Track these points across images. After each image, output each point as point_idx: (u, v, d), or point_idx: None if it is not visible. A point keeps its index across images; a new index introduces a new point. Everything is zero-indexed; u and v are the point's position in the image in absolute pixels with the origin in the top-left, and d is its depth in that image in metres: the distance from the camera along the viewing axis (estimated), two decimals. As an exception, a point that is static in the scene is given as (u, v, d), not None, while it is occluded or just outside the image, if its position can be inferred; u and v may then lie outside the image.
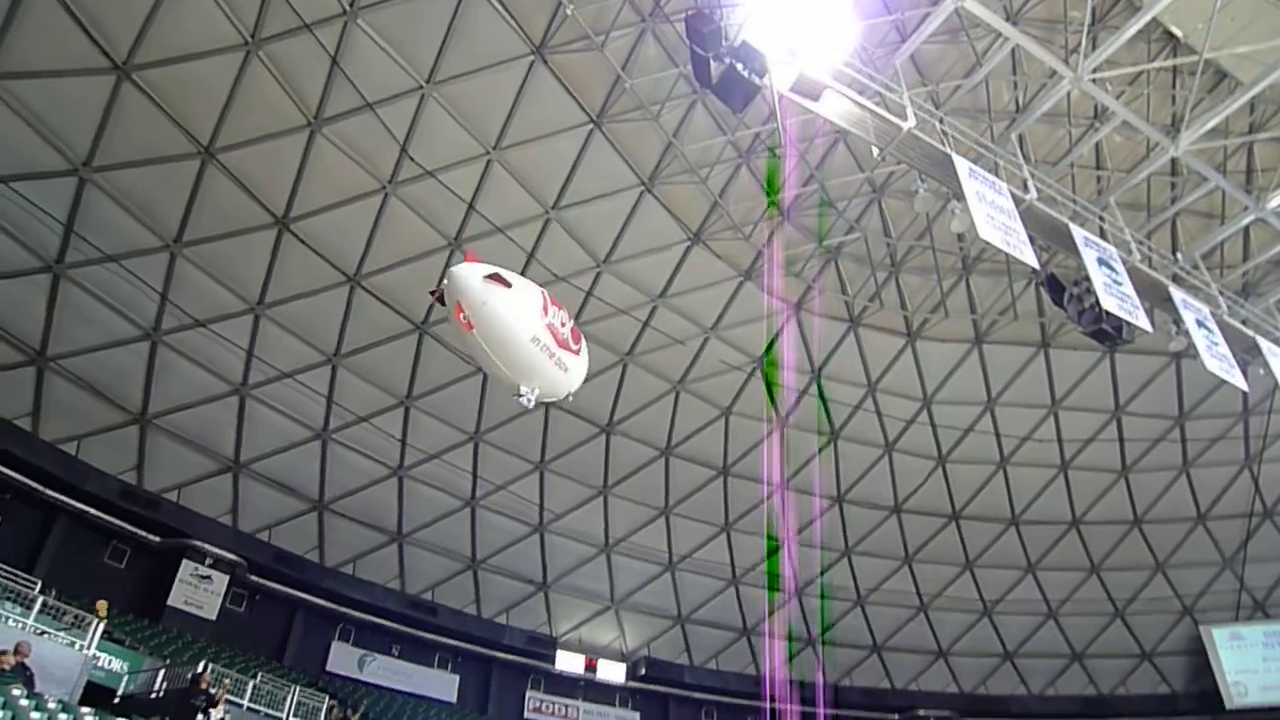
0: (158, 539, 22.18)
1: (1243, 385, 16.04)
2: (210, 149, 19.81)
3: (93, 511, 20.99)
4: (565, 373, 11.79)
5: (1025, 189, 14.74)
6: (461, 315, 10.43)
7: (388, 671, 26.56)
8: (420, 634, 27.23)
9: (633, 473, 29.52)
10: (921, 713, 33.10)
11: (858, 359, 29.67)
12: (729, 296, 27.47)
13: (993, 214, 13.58)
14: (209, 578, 22.63)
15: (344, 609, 25.94)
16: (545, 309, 11.22)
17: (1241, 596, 33.23)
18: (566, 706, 29.80)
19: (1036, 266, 15.01)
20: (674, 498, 30.36)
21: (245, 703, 16.41)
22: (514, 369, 11.34)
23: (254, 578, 24.10)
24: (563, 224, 24.34)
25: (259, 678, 17.53)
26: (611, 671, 30.45)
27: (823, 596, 32.38)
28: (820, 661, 32.30)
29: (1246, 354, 16.97)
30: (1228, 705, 31.91)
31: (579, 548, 29.72)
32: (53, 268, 19.29)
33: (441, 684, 27.63)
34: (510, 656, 28.94)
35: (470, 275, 10.50)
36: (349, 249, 22.88)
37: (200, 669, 15.55)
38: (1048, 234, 15.45)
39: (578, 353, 12.04)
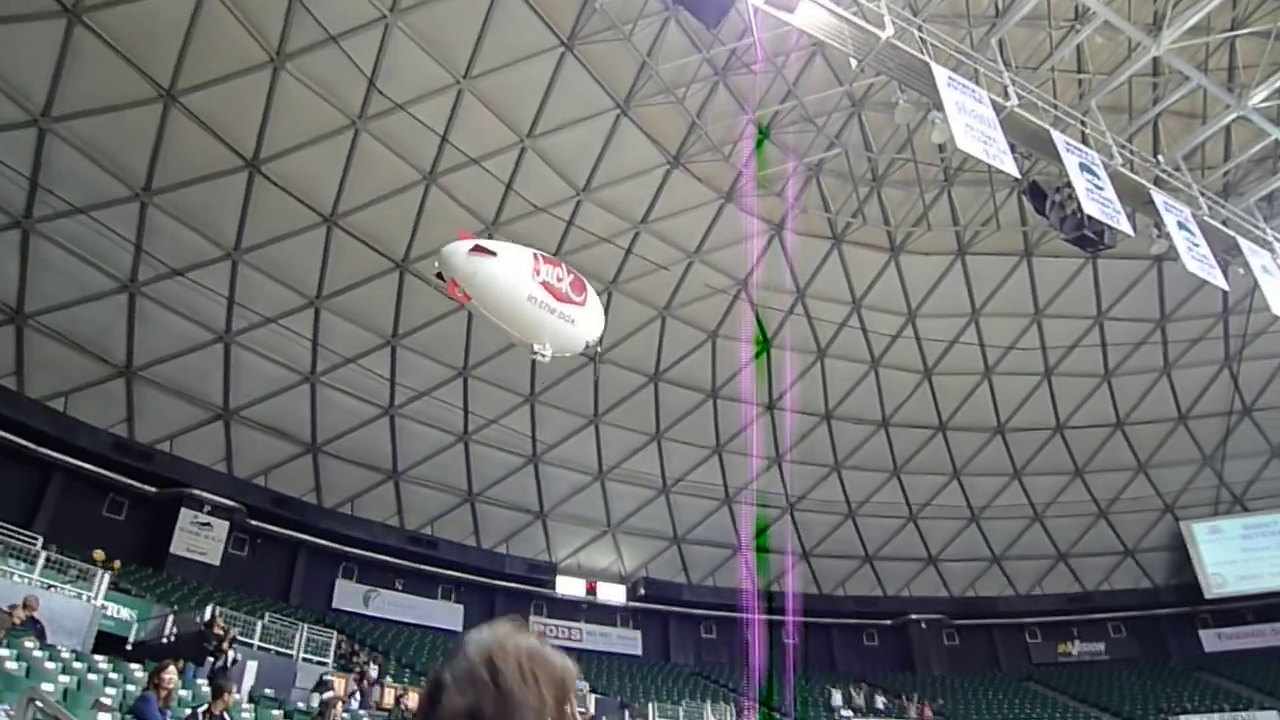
0: (154, 489, 22.34)
1: (1223, 285, 16.20)
2: (171, 92, 19.24)
3: (87, 466, 21.10)
4: (572, 325, 12.24)
5: (1006, 96, 14.56)
6: (456, 289, 11.17)
7: (393, 605, 27.19)
8: (422, 567, 27.79)
9: (622, 400, 29.74)
10: (913, 617, 34.27)
11: (842, 276, 29.67)
12: (711, 219, 27.25)
13: (972, 123, 13.42)
14: (209, 524, 22.88)
15: (345, 548, 26.39)
16: (537, 269, 11.67)
17: (1220, 492, 34.25)
18: (570, 629, 30.63)
19: (1017, 175, 14.95)
20: (664, 422, 30.66)
21: (256, 642, 16.76)
22: (519, 329, 12.14)
23: (254, 522, 24.41)
24: (539, 153, 23.92)
25: (266, 618, 17.89)
26: (611, 593, 31.24)
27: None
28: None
29: (1227, 254, 17.07)
30: (1206, 595, 33.22)
31: (573, 476, 30.12)
32: (21, 223, 18.93)
33: (446, 614, 28.33)
34: (512, 584, 29.60)
35: (456, 251, 11.13)
36: (323, 189, 22.48)
37: (209, 613, 15.84)
38: (1029, 141, 15.34)
39: (583, 303, 12.36)
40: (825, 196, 27.90)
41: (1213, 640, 34.36)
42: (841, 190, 27.72)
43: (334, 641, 18.89)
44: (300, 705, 14.34)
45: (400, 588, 27.73)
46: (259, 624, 17.42)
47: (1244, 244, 16.58)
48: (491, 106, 22.69)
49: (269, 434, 24.59)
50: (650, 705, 22.63)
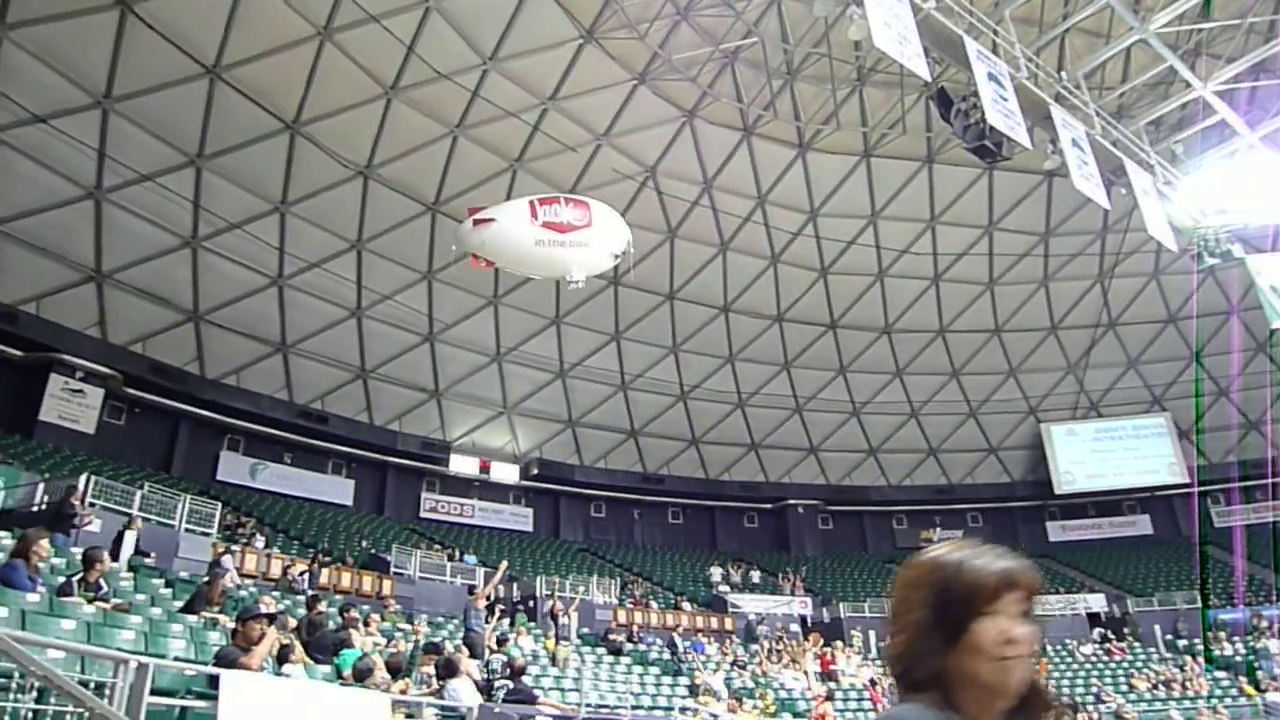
0: (20, 353, 21.03)
1: (1105, 204, 16.94)
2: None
3: (-60, 323, 19.63)
4: (587, 247, 13.13)
5: (924, -3, 14.48)
6: (477, 261, 12.54)
7: (281, 478, 26.88)
8: (312, 442, 27.44)
9: (524, 283, 29.33)
10: (792, 502, 36.23)
11: (749, 170, 29.66)
12: (622, 101, 26.55)
13: (890, 22, 13.31)
14: (81, 391, 21.83)
15: (231, 419, 25.70)
16: (534, 214, 12.64)
17: (1080, 398, 37.00)
18: (462, 505, 31.10)
19: (928, 79, 15.03)
20: (565, 307, 30.57)
21: (135, 512, 16.34)
22: (543, 270, 13.56)
23: (131, 391, 23.41)
24: (444, 14, 22.50)
25: (146, 488, 17.42)
26: (505, 472, 31.72)
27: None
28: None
29: (1113, 174, 17.78)
30: (1056, 490, 36.38)
31: (471, 356, 29.93)
32: None
33: (337, 488, 28.26)
34: (405, 461, 29.65)
35: (462, 229, 12.64)
36: (206, 37, 20.69)
37: (82, 482, 15.31)
38: (942, 46, 15.36)
39: (589, 224, 13.18)
40: (739, 86, 27.48)
41: (1057, 531, 37.89)
42: (755, 81, 27.35)
43: (218, 513, 18.64)
44: (183, 574, 14.20)
45: (289, 461, 27.37)
46: (138, 494, 16.96)
47: (1130, 166, 17.27)
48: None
49: (147, 300, 23.28)
50: (539, 579, 23.40)
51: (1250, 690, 22.68)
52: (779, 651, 21.51)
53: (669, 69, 25.78)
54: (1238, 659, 25.29)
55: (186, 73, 20.99)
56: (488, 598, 15.23)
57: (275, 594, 14.50)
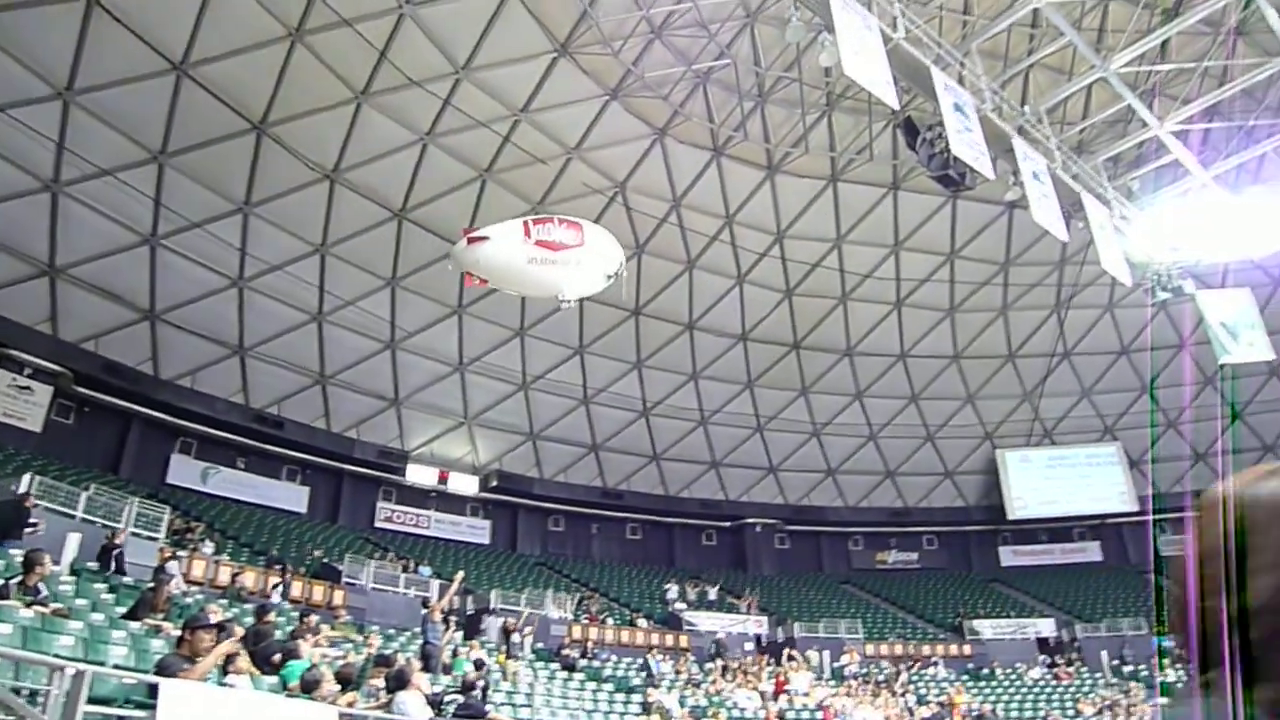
0: (-37, 346, 20.44)
1: (1064, 236, 17.34)
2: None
3: (-118, 314, 18.99)
4: (580, 266, 13.36)
5: (895, 27, 14.75)
6: (473, 279, 12.90)
7: (233, 484, 26.32)
8: (267, 447, 26.94)
9: (488, 293, 29.12)
10: (750, 521, 36.32)
11: (718, 190, 29.89)
12: (594, 116, 26.64)
13: (860, 50, 13.56)
14: (29, 388, 21.26)
15: (183, 422, 25.15)
16: (528, 233, 12.81)
17: (1034, 425, 37.70)
18: (418, 516, 30.70)
19: (896, 107, 15.29)
20: (529, 319, 30.44)
21: (79, 514, 15.91)
22: (535, 289, 13.68)
23: (81, 389, 22.82)
24: (418, 20, 22.43)
25: (92, 489, 16.96)
26: (463, 483, 31.41)
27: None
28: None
29: (1071, 208, 18.21)
30: (1009, 516, 36.94)
31: (432, 365, 29.65)
32: None
33: (290, 495, 27.76)
34: (361, 469, 29.22)
35: (457, 248, 12.81)
36: (173, 35, 20.39)
37: (25, 482, 14.88)
38: (910, 75, 15.65)
39: (582, 244, 13.38)
40: (710, 106, 27.73)
41: (1009, 556, 38.42)
42: (726, 103, 27.61)
43: (167, 517, 18.20)
44: (127, 580, 13.83)
45: (242, 466, 26.83)
46: (83, 495, 16.51)
47: (1087, 200, 17.72)
48: (370, -35, 21.04)
49: (101, 296, 22.76)
50: (494, 592, 23.18)
51: (1191, 717, 23.08)
52: (734, 670, 21.51)
53: (641, 86, 25.93)
54: (1179, 685, 25.75)
55: (153, 68, 20.63)
56: (443, 610, 15.05)
57: (223, 602, 14.19)
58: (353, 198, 25.30)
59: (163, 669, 6.25)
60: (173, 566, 15.15)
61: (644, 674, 19.61)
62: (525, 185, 27.37)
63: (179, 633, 7.42)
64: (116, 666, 7.36)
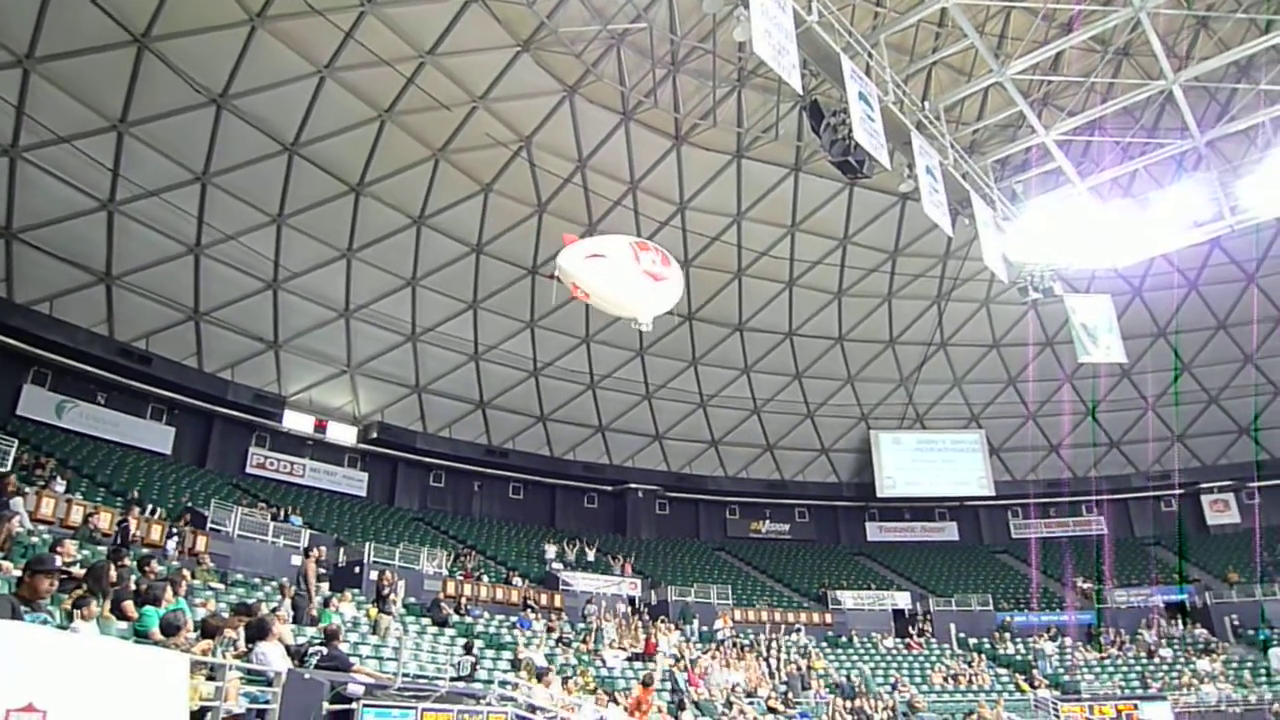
0: None
1: (950, 231, 18.10)
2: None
3: None
4: (662, 298, 13.79)
5: (809, 10, 14.90)
6: (578, 291, 12.92)
7: (91, 419, 24.69)
8: (131, 383, 25.35)
9: (382, 239, 28.32)
10: (632, 486, 36.84)
11: (624, 154, 29.74)
12: (503, 66, 25.94)
13: (772, 30, 13.61)
14: None
15: (38, 350, 23.34)
16: (637, 257, 12.99)
17: (908, 410, 39.57)
18: (292, 464, 29.66)
19: (800, 91, 15.51)
20: (423, 269, 29.69)
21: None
22: (625, 311, 13.90)
23: (-81, 307, 20.92)
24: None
25: (-73, 416, 15.70)
26: (341, 433, 30.55)
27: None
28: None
29: (959, 204, 19.01)
30: (878, 494, 38.78)
31: (317, 309, 28.53)
32: None
33: (155, 435, 26.29)
34: (234, 412, 27.95)
35: (567, 260, 12.85)
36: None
37: None
38: (819, 60, 15.87)
39: (669, 278, 13.69)
40: (623, 69, 27.44)
41: (875, 531, 40.48)
42: (639, 67, 27.38)
43: (13, 450, 17.01)
44: (-37, 515, 12.86)
45: (103, 402, 25.19)
46: (-84, 422, 15.27)
47: (975, 198, 18.51)
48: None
49: (-54, 207, 20.84)
50: (368, 545, 22.71)
51: (1025, 687, 25.06)
52: (603, 631, 21.86)
53: (554, 40, 25.40)
54: (1017, 658, 27.85)
55: (114, 39, 19.55)
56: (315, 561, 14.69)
57: (74, 541, 13.39)
58: (241, 126, 23.83)
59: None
60: (17, 503, 14.15)
61: (515, 630, 19.68)
62: (427, 130, 26.53)
63: (18, 573, 6.96)
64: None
